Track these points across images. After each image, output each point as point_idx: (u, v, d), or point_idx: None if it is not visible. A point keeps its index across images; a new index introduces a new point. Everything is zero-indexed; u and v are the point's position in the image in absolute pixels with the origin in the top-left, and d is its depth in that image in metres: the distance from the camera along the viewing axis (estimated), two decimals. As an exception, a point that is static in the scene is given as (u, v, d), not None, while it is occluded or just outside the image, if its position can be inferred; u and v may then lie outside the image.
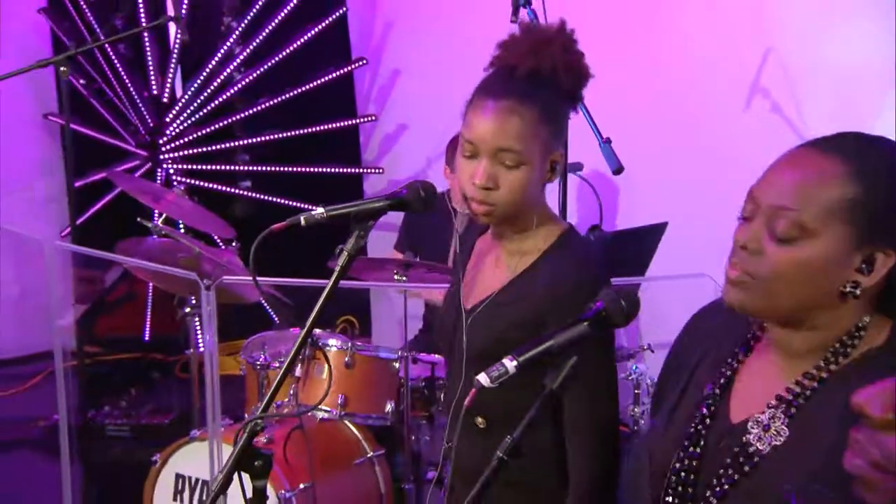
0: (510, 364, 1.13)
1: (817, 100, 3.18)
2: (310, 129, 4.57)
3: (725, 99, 3.42)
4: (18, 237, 3.39)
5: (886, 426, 0.71)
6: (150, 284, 4.36)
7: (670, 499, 1.14)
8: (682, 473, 1.14)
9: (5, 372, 4.26)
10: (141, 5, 4.40)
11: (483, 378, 1.12)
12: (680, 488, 1.13)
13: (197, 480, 2.68)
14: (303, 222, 1.38)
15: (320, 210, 1.39)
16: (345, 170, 4.69)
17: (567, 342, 1.15)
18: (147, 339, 4.69)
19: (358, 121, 4.74)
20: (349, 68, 4.62)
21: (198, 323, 3.18)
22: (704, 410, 1.16)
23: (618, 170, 2.22)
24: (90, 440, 3.43)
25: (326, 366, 2.73)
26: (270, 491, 2.54)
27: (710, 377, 1.19)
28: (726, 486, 1.08)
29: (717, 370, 1.18)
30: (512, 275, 1.55)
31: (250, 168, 4.74)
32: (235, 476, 1.39)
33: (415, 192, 1.44)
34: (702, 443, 1.14)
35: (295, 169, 4.60)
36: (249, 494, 1.44)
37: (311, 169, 4.60)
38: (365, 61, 4.61)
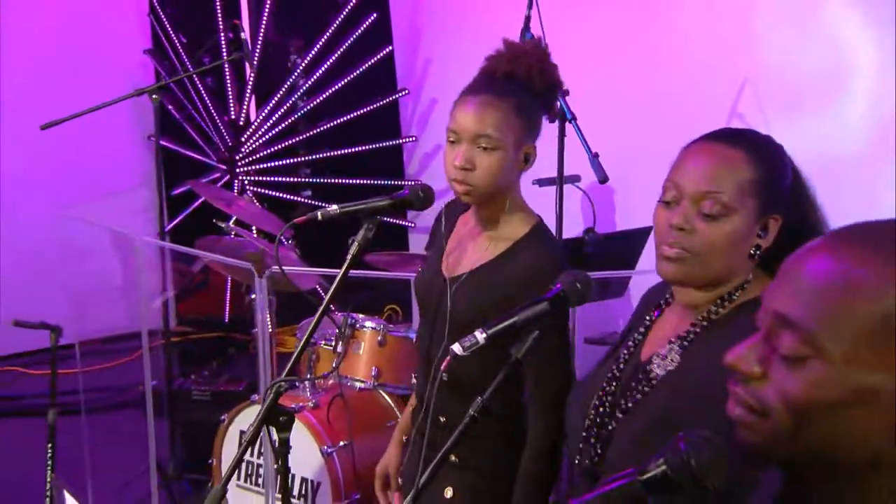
0: (480, 336, 1.13)
1: (796, 112, 3.07)
2: (361, 148, 4.59)
3: (709, 118, 3.34)
4: (120, 236, 3.48)
5: (754, 377, 0.71)
6: (228, 275, 4.43)
7: (589, 422, 1.19)
8: (602, 404, 1.18)
9: (115, 346, 4.36)
10: (223, 46, 4.49)
11: (457, 347, 1.12)
12: (599, 416, 1.17)
13: (271, 439, 2.71)
14: (319, 217, 1.39)
15: (335, 207, 1.41)
16: (390, 182, 4.71)
17: (529, 318, 1.15)
18: (226, 320, 4.76)
19: (401, 141, 4.76)
20: (394, 97, 4.64)
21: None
22: (623, 357, 1.22)
23: (603, 179, 2.19)
24: (178, 403, 3.48)
25: (363, 343, 2.74)
26: (315, 446, 2.56)
27: (632, 336, 1.24)
28: (630, 404, 1.13)
29: (636, 330, 1.24)
30: (491, 255, 1.54)
31: (310, 180, 4.78)
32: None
33: (414, 192, 1.44)
34: (618, 377, 1.19)
35: (348, 181, 4.63)
36: (277, 445, 1.45)
37: (362, 181, 4.63)
38: (407, 91, 4.63)
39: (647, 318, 1.24)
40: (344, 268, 1.40)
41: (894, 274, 0.65)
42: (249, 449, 2.73)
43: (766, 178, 1.10)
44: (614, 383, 1.19)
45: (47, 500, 2.34)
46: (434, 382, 1.52)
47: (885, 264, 0.66)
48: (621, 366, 1.20)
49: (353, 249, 1.41)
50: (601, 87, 3.38)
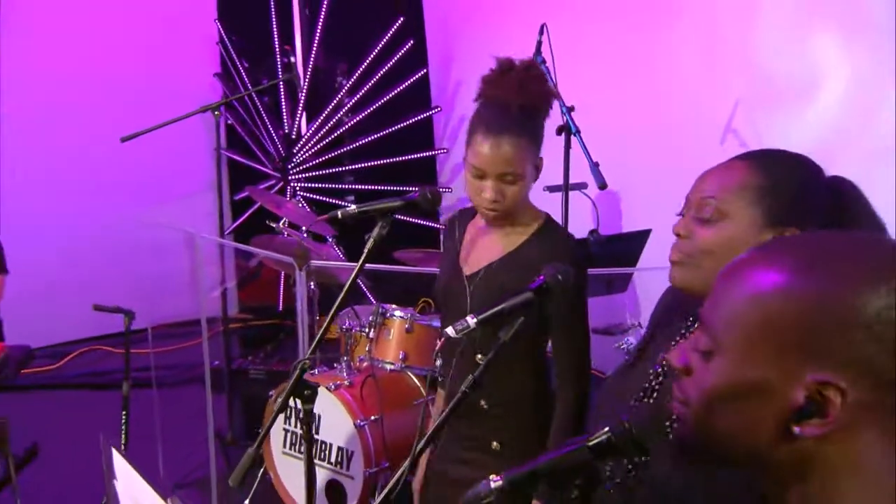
0: (471, 321, 1.12)
1: (787, 121, 3.00)
2: (398, 158, 4.62)
3: (705, 132, 3.30)
4: (186, 234, 3.56)
5: (683, 373, 0.71)
6: (280, 269, 4.49)
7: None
8: None
9: (183, 330, 4.44)
10: (279, 69, 4.57)
11: (450, 330, 1.12)
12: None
13: (299, 410, 2.75)
14: (339, 216, 1.41)
15: (353, 207, 1.42)
16: (424, 189, 4.72)
17: (516, 305, 1.14)
18: (280, 309, 4.84)
19: (434, 152, 4.78)
20: (428, 113, 4.67)
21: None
22: (659, 369, 1.10)
23: (602, 186, 2.17)
24: (237, 380, 3.56)
25: (390, 330, 2.76)
26: (349, 420, 2.58)
27: (666, 344, 1.13)
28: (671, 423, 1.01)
29: (672, 339, 1.12)
30: (505, 250, 1.53)
31: (354, 186, 4.84)
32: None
33: (423, 195, 1.44)
34: (654, 395, 1.09)
35: (387, 187, 4.67)
36: (302, 414, 1.48)
37: (399, 188, 4.65)
38: (440, 108, 4.65)
39: (683, 326, 1.11)
40: (361, 260, 1.42)
41: (788, 284, 0.64)
42: (295, 421, 2.79)
43: (772, 187, 0.99)
44: (650, 400, 1.08)
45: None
46: (446, 365, 1.53)
47: (787, 272, 0.64)
48: (660, 378, 1.09)
49: (368, 245, 1.42)
50: (605, 102, 3.36)
